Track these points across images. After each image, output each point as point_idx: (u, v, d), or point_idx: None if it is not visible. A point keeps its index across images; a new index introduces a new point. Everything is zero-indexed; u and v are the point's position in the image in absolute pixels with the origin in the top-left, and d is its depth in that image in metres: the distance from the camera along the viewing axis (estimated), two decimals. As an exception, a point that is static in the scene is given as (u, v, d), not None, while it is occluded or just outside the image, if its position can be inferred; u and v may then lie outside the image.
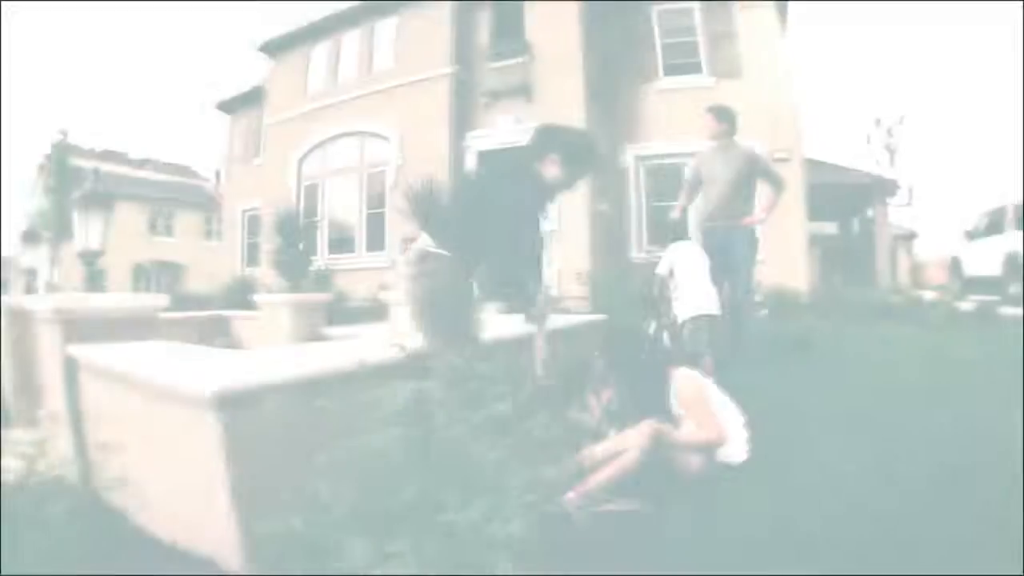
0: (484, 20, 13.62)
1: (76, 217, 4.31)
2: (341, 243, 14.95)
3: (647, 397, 2.80)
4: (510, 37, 13.02)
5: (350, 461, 1.56)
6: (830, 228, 18.69)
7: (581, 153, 2.96)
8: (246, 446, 2.03)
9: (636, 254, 12.49)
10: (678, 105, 11.88)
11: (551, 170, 2.87)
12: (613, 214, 12.38)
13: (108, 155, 30.47)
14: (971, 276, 12.65)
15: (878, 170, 13.83)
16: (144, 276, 27.47)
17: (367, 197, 14.71)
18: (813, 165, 12.84)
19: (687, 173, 6.23)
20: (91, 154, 28.90)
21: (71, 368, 3.15)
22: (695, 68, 12.45)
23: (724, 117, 5.71)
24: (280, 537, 1.49)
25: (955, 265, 13.62)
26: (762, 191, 5.71)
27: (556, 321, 5.63)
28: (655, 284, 5.24)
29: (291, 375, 2.29)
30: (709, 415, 2.68)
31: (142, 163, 32.54)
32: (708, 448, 2.64)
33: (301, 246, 8.21)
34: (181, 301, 18.29)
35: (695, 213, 6.39)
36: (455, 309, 2.75)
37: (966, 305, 8.49)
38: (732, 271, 5.38)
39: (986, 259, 11.99)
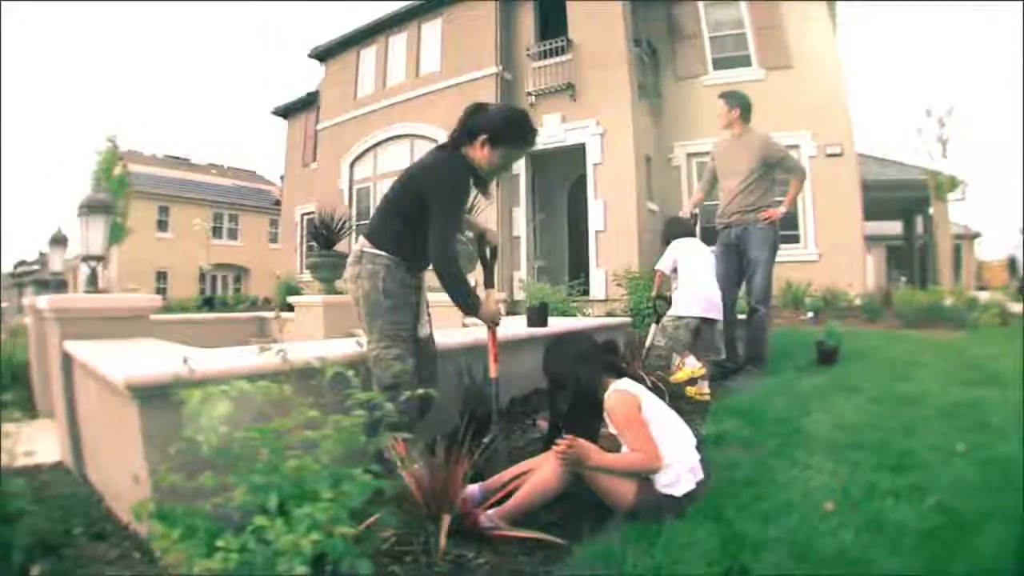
0: (527, 19, 13.50)
1: (79, 224, 4.52)
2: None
3: (587, 414, 2.52)
4: (554, 36, 12.85)
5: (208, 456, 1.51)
6: (893, 227, 17.84)
7: (511, 131, 2.75)
8: (159, 433, 2.04)
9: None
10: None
11: (481, 153, 2.70)
12: (663, 214, 12.08)
13: (172, 161, 31.71)
14: None
15: (934, 164, 13.06)
16: (209, 279, 28.41)
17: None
18: (871, 161, 12.25)
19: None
20: (153, 160, 30.18)
21: (67, 362, 3.30)
22: (744, 61, 12.02)
23: (735, 102, 5.25)
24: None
25: (1012, 265, 12.87)
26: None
27: (575, 324, 5.57)
28: (655, 281, 4.90)
29: (209, 370, 2.24)
30: (642, 436, 2.27)
31: (207, 168, 33.60)
32: (641, 474, 2.25)
33: (335, 248, 8.24)
34: (243, 303, 19.14)
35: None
36: (391, 309, 2.67)
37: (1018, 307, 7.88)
38: (747, 272, 5.05)
39: None
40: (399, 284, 2.69)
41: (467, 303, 2.71)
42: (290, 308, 7.89)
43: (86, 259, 4.56)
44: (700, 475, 2.31)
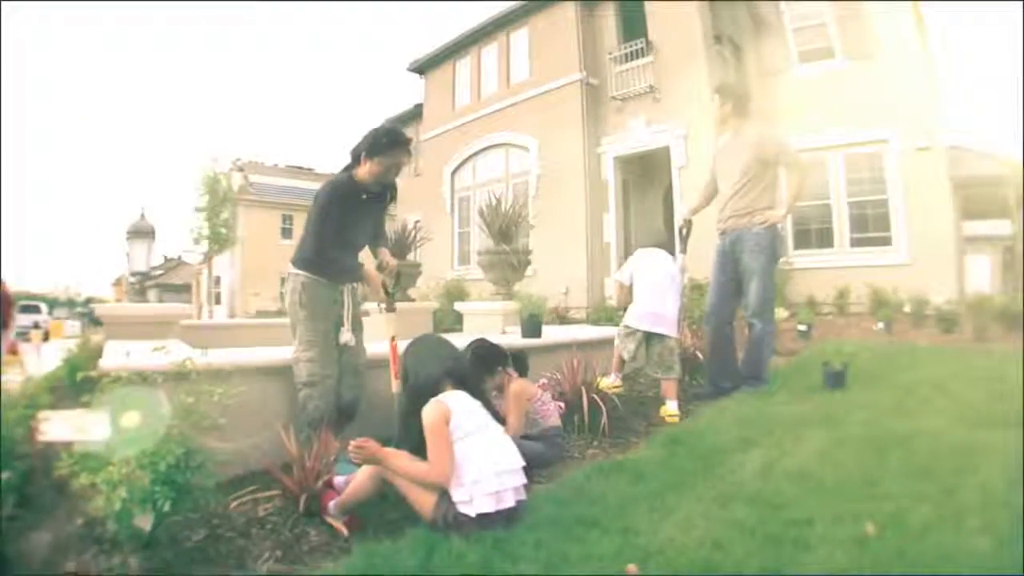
0: (609, 23, 13.46)
1: (128, 245, 5.31)
2: (487, 252, 15.58)
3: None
4: (634, 38, 12.73)
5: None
6: (1004, 227, 15.90)
7: (379, 142, 3.11)
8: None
9: (782, 259, 11.50)
10: (812, 94, 10.92)
11: (364, 168, 3.13)
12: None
13: (294, 170, 33.75)
14: None
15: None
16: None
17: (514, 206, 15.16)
18: (970, 155, 11.12)
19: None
20: (276, 170, 32.41)
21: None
22: (827, 53, 11.29)
23: (729, 96, 4.83)
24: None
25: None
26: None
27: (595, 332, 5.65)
28: (615, 292, 4.75)
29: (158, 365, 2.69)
30: (435, 448, 2.30)
31: (329, 177, 35.36)
32: (429, 485, 2.30)
33: (408, 258, 8.71)
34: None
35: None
36: (307, 319, 3.10)
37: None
38: (744, 281, 4.64)
39: None
40: (314, 298, 3.13)
41: (349, 275, 3.27)
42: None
43: (133, 274, 5.41)
44: (508, 502, 2.29)
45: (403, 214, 21.36)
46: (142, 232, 5.26)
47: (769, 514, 2.31)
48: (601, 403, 3.82)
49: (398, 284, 3.53)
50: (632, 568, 1.94)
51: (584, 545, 2.08)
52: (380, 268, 3.40)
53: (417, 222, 18.58)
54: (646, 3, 12.60)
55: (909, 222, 9.90)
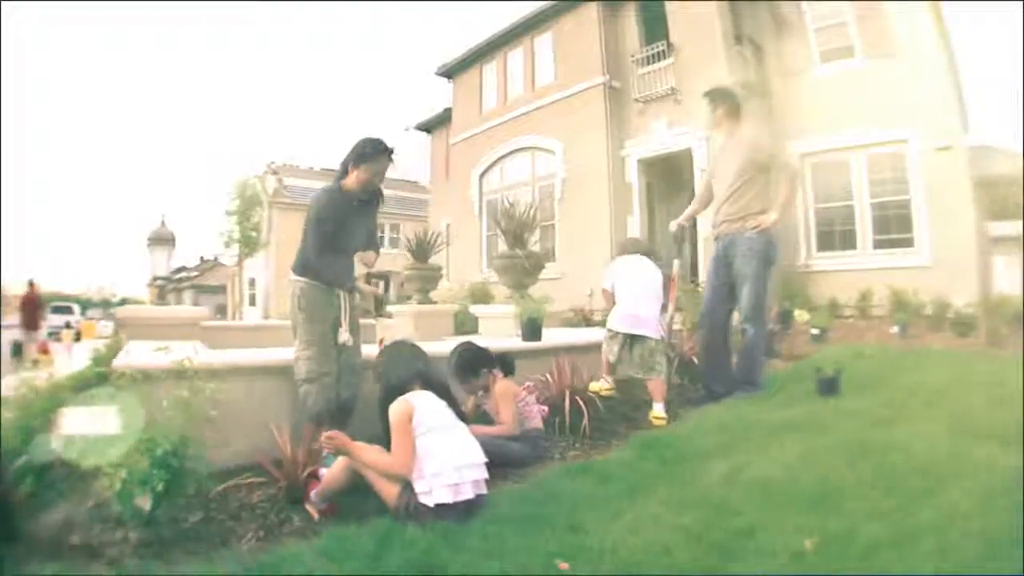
0: (631, 26, 13.56)
1: (148, 251, 5.67)
2: (515, 255, 15.76)
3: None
4: (656, 41, 12.81)
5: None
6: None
7: (363, 151, 3.40)
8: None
9: (804, 262, 11.48)
10: (833, 93, 10.90)
11: (352, 177, 3.42)
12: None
13: (324, 173, 34.31)
14: None
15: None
16: (373, 284, 30.72)
17: (539, 210, 15.32)
18: (999, 153, 10.92)
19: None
20: (311, 172, 33.04)
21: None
22: (847, 53, 11.19)
23: (720, 100, 4.86)
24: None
25: None
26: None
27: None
28: (603, 298, 4.93)
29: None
30: (398, 443, 2.54)
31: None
32: (392, 477, 2.53)
33: (430, 262, 8.96)
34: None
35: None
36: (306, 321, 3.38)
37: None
38: (737, 285, 4.67)
39: None
40: (312, 301, 3.40)
41: (345, 279, 3.53)
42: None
43: (154, 279, 5.79)
44: (466, 495, 2.49)
45: (435, 216, 21.78)
46: (162, 239, 5.64)
47: (717, 521, 2.35)
48: (584, 406, 3.98)
49: (382, 305, 3.82)
50: (563, 565, 2.05)
51: (529, 540, 2.23)
52: (364, 264, 3.73)
53: (449, 225, 19.08)
54: (667, 5, 12.65)
55: (931, 223, 9.77)
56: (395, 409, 2.62)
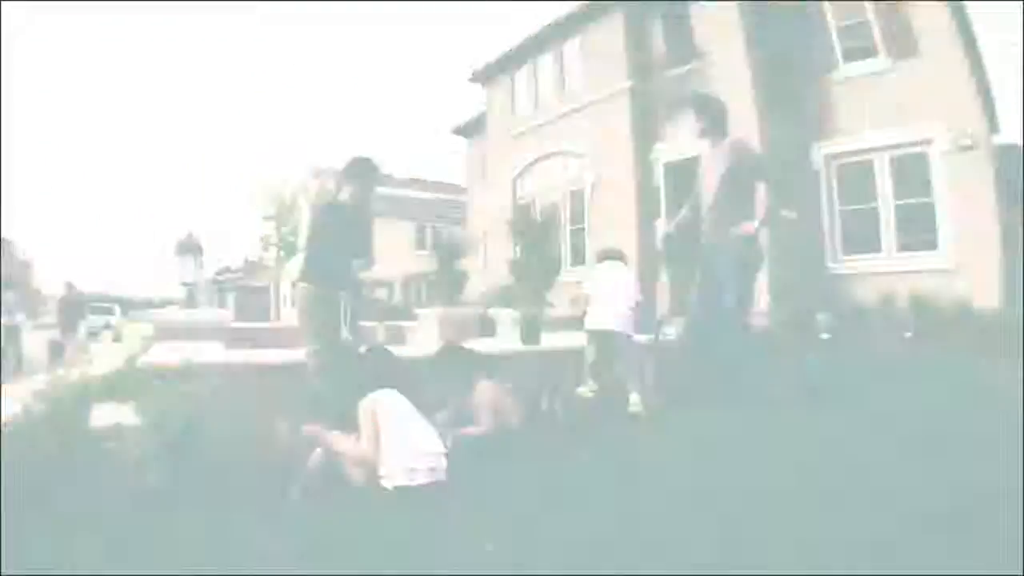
0: (656, 30, 13.69)
1: (176, 258, 6.15)
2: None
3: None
4: (681, 44, 12.93)
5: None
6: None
7: (351, 171, 3.87)
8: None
9: (831, 265, 11.41)
10: (858, 94, 10.82)
11: (346, 193, 3.87)
12: (800, 221, 11.56)
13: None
14: None
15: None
16: (414, 286, 31.27)
17: (570, 214, 15.56)
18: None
19: None
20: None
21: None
22: (869, 52, 11.01)
23: (705, 109, 5.06)
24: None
25: None
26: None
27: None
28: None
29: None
30: (365, 434, 2.97)
31: (408, 183, 36.27)
32: (363, 464, 2.95)
33: (455, 265, 9.25)
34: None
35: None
36: (311, 321, 3.80)
37: None
38: (720, 291, 4.81)
39: None
40: (316, 303, 3.80)
41: (343, 283, 3.84)
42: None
43: (183, 284, 6.31)
44: (422, 479, 2.85)
45: (474, 220, 22.11)
46: (189, 248, 6.14)
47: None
48: (554, 407, 4.37)
49: (389, 310, 4.24)
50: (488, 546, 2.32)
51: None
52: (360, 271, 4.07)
53: (485, 232, 19.44)
54: (692, 9, 12.75)
55: (955, 225, 9.64)
56: (362, 405, 3.06)
